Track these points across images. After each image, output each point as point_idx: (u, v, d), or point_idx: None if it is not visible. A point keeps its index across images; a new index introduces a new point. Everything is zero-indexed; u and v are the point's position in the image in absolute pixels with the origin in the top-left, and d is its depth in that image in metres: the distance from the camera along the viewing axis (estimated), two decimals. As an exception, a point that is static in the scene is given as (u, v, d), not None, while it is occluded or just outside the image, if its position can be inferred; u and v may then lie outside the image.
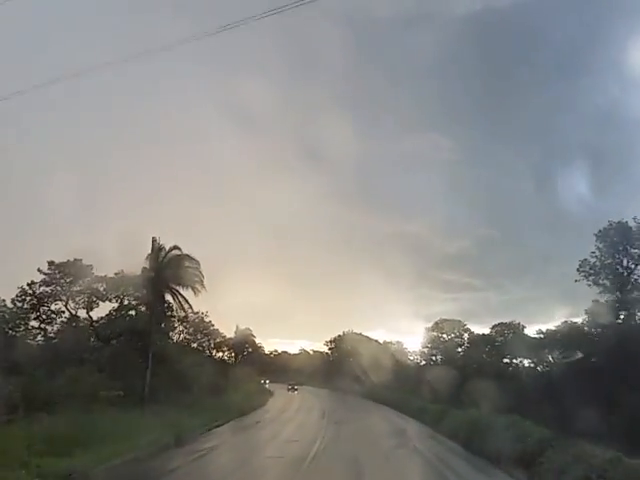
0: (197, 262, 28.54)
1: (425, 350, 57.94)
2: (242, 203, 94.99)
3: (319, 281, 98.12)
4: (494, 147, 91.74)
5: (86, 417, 17.46)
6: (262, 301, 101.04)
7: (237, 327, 57.03)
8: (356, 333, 73.62)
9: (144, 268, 27.47)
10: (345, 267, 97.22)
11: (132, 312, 31.86)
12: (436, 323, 56.01)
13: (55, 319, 31.15)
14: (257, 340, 77.67)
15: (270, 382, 69.56)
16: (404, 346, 66.97)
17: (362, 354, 65.72)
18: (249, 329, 60.95)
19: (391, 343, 68.40)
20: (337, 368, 68.30)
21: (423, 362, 57.23)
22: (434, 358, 55.52)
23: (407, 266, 74.95)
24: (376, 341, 70.31)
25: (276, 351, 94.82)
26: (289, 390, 63.73)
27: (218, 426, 25.60)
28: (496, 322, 51.02)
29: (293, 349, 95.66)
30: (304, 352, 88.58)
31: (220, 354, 56.29)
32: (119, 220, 49.34)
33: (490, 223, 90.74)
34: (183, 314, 33.62)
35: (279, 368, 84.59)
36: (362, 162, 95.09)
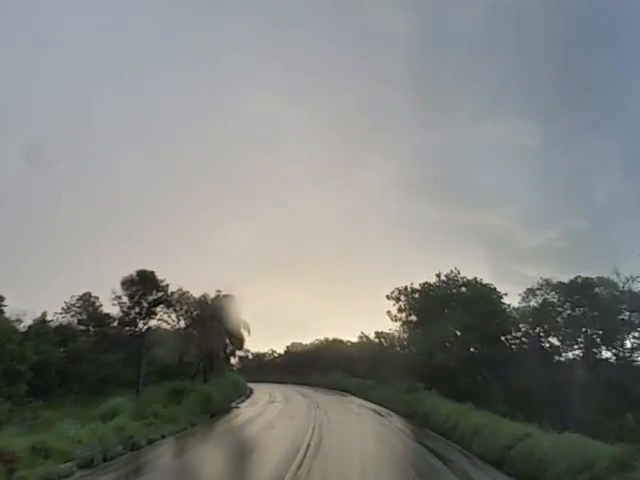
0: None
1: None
2: (308, 197, 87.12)
3: (385, 276, 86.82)
4: (579, 131, 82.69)
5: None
6: (330, 294, 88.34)
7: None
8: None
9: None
10: (414, 261, 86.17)
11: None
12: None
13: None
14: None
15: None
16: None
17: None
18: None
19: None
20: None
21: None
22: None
23: (484, 260, 65.22)
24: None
25: (326, 339, 66.97)
26: None
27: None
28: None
29: (353, 337, 64.40)
30: (365, 338, 57.37)
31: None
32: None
33: (579, 213, 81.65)
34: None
35: (316, 364, 63.55)
36: (436, 150, 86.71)
